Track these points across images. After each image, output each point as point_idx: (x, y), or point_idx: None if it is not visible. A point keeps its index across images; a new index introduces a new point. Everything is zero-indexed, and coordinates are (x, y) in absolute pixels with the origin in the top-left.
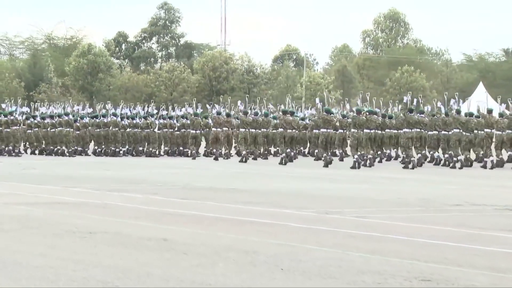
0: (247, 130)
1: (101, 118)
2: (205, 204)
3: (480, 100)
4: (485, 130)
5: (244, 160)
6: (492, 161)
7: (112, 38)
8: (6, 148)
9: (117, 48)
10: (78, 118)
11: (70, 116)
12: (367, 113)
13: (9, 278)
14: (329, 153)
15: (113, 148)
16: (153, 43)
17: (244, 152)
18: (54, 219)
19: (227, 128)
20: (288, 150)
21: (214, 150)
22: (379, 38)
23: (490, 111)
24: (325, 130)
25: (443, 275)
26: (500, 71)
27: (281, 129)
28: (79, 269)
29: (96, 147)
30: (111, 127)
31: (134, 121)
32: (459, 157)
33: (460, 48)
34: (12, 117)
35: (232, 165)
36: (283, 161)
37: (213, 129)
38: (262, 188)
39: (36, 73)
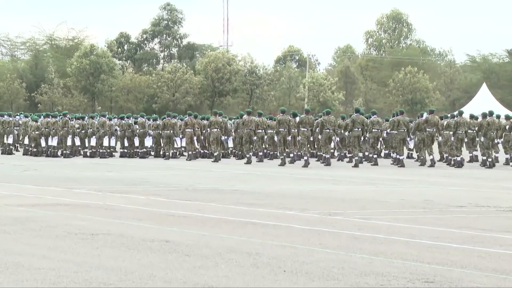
0: (218, 130)
1: (126, 119)
2: (208, 206)
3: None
4: (428, 130)
5: (216, 160)
6: (432, 159)
7: (114, 39)
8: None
9: (119, 49)
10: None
11: (103, 118)
12: (326, 114)
13: (11, 280)
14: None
15: (139, 150)
16: (155, 44)
17: (216, 153)
18: (56, 220)
19: (197, 129)
20: (260, 152)
21: (190, 152)
22: (382, 39)
23: (432, 112)
24: (282, 129)
25: (446, 276)
26: (503, 72)
27: (248, 130)
28: (81, 270)
29: (122, 149)
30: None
31: (157, 122)
32: (401, 157)
33: (463, 49)
34: (66, 118)
35: (234, 167)
36: (248, 161)
37: (187, 130)
38: (265, 190)
39: (38, 74)
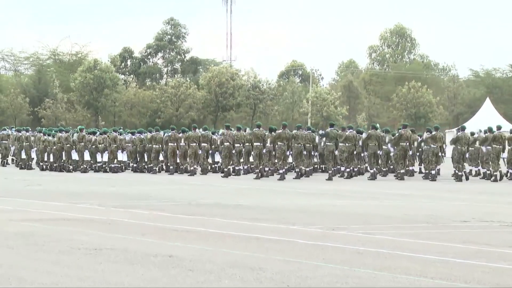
0: (196, 144)
1: (138, 134)
2: (211, 221)
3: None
4: (401, 144)
5: (192, 174)
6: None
7: (118, 53)
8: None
9: (122, 64)
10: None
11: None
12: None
13: None
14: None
15: (152, 166)
16: (158, 59)
17: (193, 167)
18: (59, 235)
19: (183, 144)
20: (240, 166)
21: (170, 166)
22: (385, 53)
23: (405, 126)
24: (258, 143)
25: None
26: (507, 87)
27: (227, 143)
28: (84, 285)
29: (133, 164)
30: (148, 143)
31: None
32: (371, 170)
33: (466, 64)
34: (82, 133)
35: (237, 181)
36: (226, 174)
37: (170, 144)
38: (268, 205)
39: (41, 88)
